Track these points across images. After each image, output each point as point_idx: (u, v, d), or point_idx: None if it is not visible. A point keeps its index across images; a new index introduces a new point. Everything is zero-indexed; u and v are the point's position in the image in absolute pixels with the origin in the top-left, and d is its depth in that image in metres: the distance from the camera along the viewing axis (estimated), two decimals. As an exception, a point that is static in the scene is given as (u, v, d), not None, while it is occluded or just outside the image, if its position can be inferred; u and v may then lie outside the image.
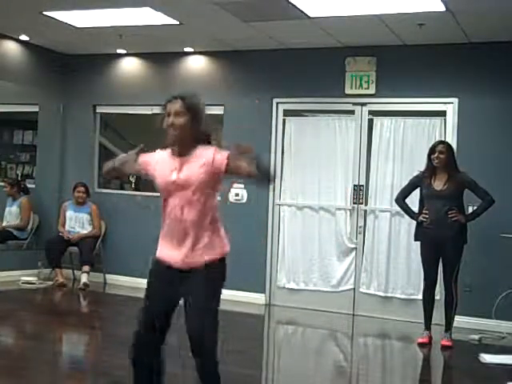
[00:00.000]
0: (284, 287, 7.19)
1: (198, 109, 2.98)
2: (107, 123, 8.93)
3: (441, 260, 5.65)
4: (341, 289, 6.96)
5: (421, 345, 5.67)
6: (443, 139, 6.25)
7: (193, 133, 2.95)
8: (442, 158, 5.58)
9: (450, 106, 6.58)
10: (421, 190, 5.76)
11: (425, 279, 5.76)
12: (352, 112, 7.00)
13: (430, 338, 5.70)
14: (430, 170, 5.66)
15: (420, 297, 5.93)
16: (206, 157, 2.92)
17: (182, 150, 2.97)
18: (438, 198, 5.56)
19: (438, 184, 5.61)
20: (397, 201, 5.95)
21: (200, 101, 3.02)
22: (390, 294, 6.76)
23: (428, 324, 5.75)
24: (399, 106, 6.85)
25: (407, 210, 5.85)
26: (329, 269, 7.01)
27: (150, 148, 3.14)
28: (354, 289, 6.91)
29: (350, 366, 5.35)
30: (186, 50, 7.59)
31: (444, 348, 5.60)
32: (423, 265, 5.76)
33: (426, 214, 5.63)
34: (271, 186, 7.17)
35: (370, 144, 6.91)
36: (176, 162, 2.96)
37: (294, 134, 7.23)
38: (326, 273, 7.02)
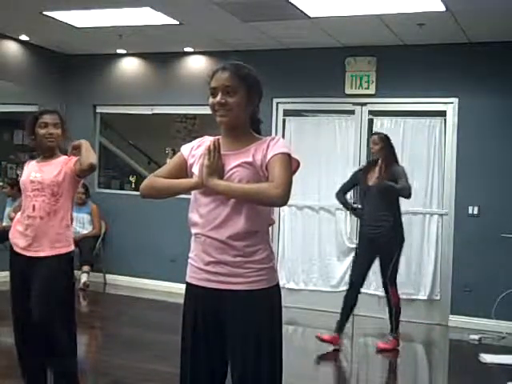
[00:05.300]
0: (284, 287, 7.18)
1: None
2: (107, 123, 8.94)
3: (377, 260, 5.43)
4: (341, 289, 6.93)
5: (322, 340, 5.33)
6: (443, 139, 6.25)
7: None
8: (376, 148, 5.42)
9: (450, 106, 6.59)
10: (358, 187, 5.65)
11: (351, 277, 5.52)
12: (352, 112, 7.01)
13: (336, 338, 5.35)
14: (369, 165, 5.52)
15: (420, 297, 5.92)
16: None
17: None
18: (370, 194, 5.38)
19: (371, 179, 5.42)
20: (337, 195, 5.70)
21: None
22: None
23: (340, 327, 5.37)
24: (399, 105, 6.85)
25: (344, 202, 5.67)
26: (329, 269, 7.01)
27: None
28: (354, 289, 6.90)
29: (350, 366, 5.35)
30: (186, 50, 7.59)
31: (380, 351, 5.40)
32: (353, 262, 5.57)
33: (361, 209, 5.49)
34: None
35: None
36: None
37: (293, 133, 7.23)
38: (326, 273, 7.02)
